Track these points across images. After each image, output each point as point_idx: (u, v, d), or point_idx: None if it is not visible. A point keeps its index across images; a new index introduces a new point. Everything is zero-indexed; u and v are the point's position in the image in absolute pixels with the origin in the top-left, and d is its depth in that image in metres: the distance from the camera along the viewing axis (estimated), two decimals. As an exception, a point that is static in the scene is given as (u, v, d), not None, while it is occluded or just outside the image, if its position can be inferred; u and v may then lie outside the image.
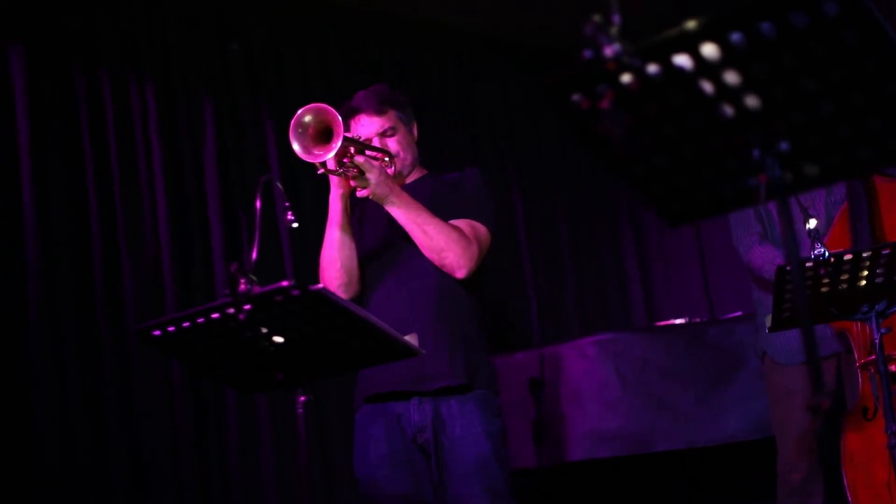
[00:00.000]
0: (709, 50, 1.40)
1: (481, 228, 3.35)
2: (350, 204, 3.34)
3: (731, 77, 1.43)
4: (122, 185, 4.58)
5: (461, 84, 6.09)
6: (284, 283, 2.23)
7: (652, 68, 1.45)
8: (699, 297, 6.46)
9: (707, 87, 1.45)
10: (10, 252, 4.23)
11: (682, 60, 1.43)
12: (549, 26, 5.78)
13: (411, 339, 2.53)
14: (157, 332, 2.45)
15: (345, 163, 3.14)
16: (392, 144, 3.41)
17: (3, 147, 4.28)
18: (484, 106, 6.18)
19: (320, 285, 2.24)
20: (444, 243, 3.24)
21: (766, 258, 3.85)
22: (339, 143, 3.02)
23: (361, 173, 3.15)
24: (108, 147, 4.59)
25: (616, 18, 1.43)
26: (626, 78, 1.47)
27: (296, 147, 3.04)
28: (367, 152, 3.28)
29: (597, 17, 1.43)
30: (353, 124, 3.40)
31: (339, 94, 5.40)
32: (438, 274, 3.29)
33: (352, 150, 3.14)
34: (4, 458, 4.04)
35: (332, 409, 4.96)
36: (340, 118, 3.18)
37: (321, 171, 3.16)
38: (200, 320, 2.37)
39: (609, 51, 1.43)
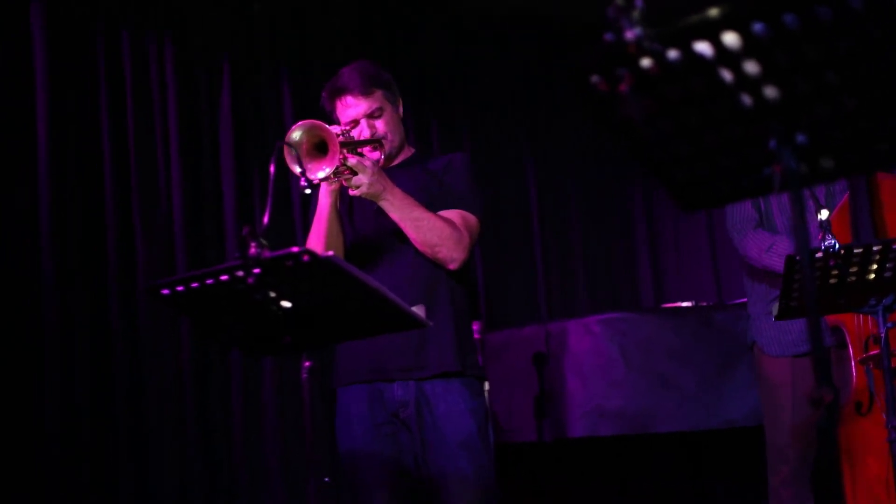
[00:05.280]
0: (730, 39, 1.40)
1: (472, 219, 3.35)
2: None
3: (751, 67, 1.43)
4: (136, 145, 4.59)
5: (477, 56, 6.06)
6: (295, 249, 2.24)
7: (672, 54, 1.45)
8: (708, 281, 6.46)
9: (727, 75, 1.45)
10: (25, 210, 4.24)
11: (703, 48, 1.42)
12: (572, 1, 5.76)
13: (418, 310, 2.54)
14: (165, 291, 2.46)
15: (338, 168, 3.10)
16: (380, 126, 3.37)
17: (20, 107, 4.29)
18: (498, 81, 6.15)
19: (331, 252, 2.25)
20: (436, 238, 3.24)
21: (761, 245, 3.82)
22: (337, 159, 3.02)
23: (353, 173, 3.13)
24: (125, 107, 4.59)
25: (639, 2, 1.43)
26: (645, 62, 1.47)
27: (296, 169, 2.95)
28: (360, 149, 3.26)
29: (620, 1, 1.43)
30: (338, 104, 3.37)
31: (355, 54, 5.42)
32: (428, 264, 3.30)
33: (344, 152, 3.11)
34: (12, 416, 4.07)
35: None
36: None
37: (316, 181, 3.12)
38: (209, 281, 2.38)
39: (630, 34, 1.43)
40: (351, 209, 3.44)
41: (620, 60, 1.47)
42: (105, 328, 4.36)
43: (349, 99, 3.35)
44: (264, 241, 2.26)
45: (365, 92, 3.35)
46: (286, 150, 2.99)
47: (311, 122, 3.07)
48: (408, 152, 3.52)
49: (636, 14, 1.43)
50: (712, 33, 1.40)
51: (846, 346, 3.74)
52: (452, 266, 3.30)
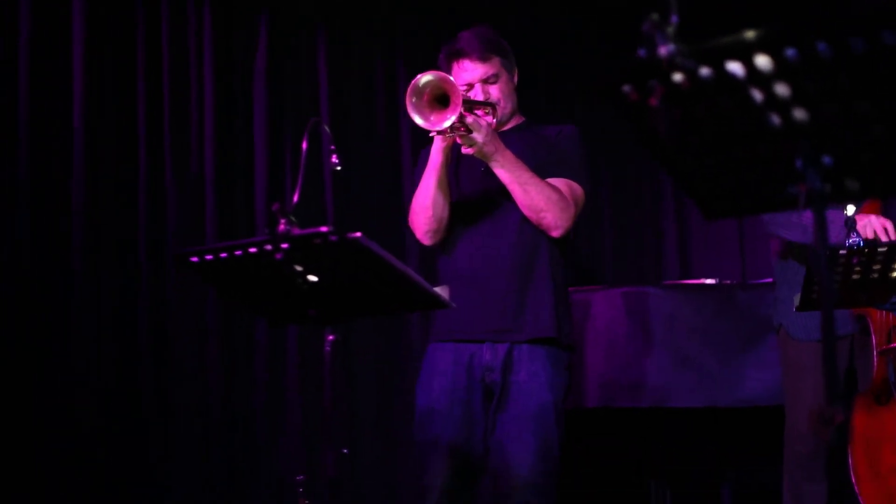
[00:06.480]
0: (762, 61, 1.41)
1: (578, 189, 3.38)
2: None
3: (782, 89, 1.44)
4: (171, 105, 4.56)
5: (513, 26, 6.00)
6: (323, 229, 2.27)
7: (705, 71, 1.46)
8: (734, 260, 6.43)
9: (757, 95, 1.47)
10: (58, 173, 4.25)
11: (735, 67, 1.44)
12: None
13: (442, 290, 2.57)
14: (194, 259, 2.51)
15: (454, 124, 3.13)
16: (494, 92, 3.42)
17: (56, 66, 4.28)
18: (531, 48, 6.10)
19: (358, 234, 2.28)
20: (543, 204, 3.27)
21: (788, 216, 3.80)
22: (458, 113, 3.05)
23: (469, 131, 3.16)
24: (162, 66, 4.57)
25: (674, 18, 1.45)
26: (677, 77, 1.48)
27: (416, 119, 3.06)
28: (475, 109, 3.28)
29: (654, 16, 1.44)
30: (455, 67, 3.41)
31: (399, 25, 5.41)
32: (532, 229, 3.33)
33: (463, 108, 3.13)
34: (37, 379, 4.12)
35: (361, 352, 5.00)
36: (452, 77, 3.19)
37: (432, 133, 3.18)
38: (238, 253, 2.42)
39: (664, 50, 1.45)
40: (457, 170, 3.47)
41: (653, 73, 1.49)
42: (132, 293, 4.37)
43: (466, 63, 3.40)
44: (294, 219, 2.30)
45: (483, 57, 3.40)
46: (409, 96, 3.06)
47: (441, 74, 3.13)
48: (518, 120, 3.55)
49: (671, 30, 1.45)
50: (745, 54, 1.42)
51: (869, 334, 3.76)
52: (556, 233, 3.33)
